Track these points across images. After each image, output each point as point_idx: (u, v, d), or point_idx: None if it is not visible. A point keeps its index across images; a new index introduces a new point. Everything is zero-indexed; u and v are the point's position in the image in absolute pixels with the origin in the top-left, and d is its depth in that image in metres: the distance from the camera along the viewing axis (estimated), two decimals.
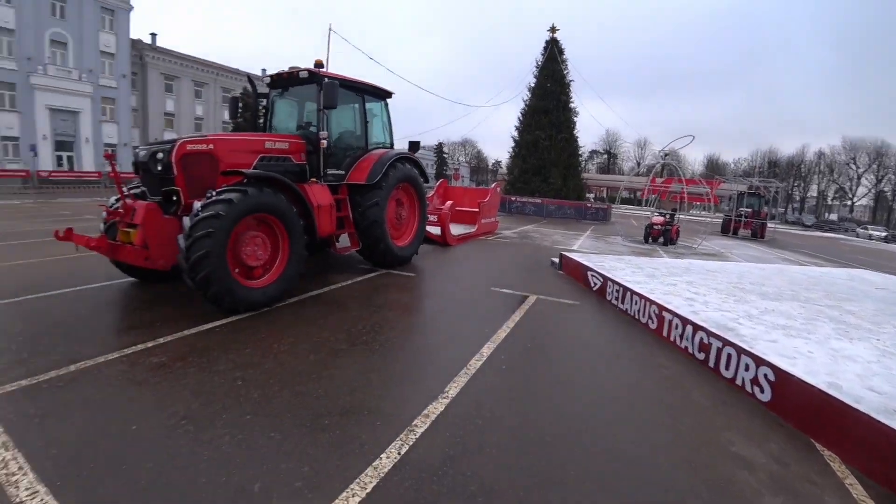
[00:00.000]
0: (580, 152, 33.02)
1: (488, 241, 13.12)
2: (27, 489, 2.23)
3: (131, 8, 40.19)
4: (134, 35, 41.11)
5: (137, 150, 5.47)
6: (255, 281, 5.20)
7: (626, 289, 6.21)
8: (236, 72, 48.67)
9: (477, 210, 13.66)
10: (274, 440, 2.75)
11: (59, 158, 36.18)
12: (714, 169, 68.57)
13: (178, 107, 45.37)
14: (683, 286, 6.72)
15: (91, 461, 2.46)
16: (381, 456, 2.66)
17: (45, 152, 34.62)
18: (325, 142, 6.48)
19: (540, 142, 29.76)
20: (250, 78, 7.06)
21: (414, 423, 3.05)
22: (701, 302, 5.75)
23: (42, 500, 2.16)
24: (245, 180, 5.14)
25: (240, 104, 7.37)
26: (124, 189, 5.32)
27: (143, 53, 42.50)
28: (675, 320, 4.99)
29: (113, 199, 5.94)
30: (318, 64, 6.52)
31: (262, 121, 7.30)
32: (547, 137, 29.78)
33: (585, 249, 12.91)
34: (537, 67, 31.54)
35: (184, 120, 45.50)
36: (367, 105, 7.66)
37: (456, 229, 12.22)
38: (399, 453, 2.70)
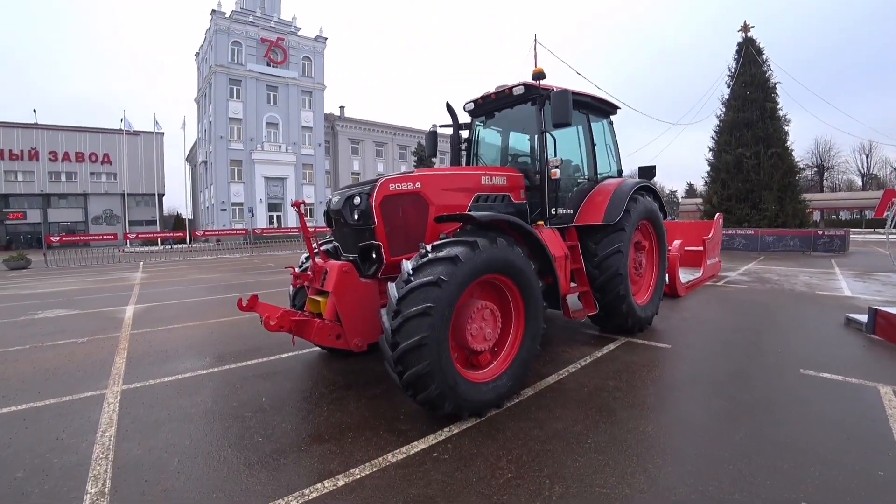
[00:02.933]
0: (798, 168, 26.76)
1: (719, 288, 10.12)
2: None
3: (325, 87, 46.70)
4: (327, 110, 47.73)
5: (331, 197, 4.50)
6: (480, 371, 3.66)
7: None
8: (409, 130, 53.70)
9: (702, 249, 10.77)
10: None
11: (271, 218, 42.82)
12: None
13: (362, 166, 51.21)
14: None
15: None
16: None
17: (260, 213, 41.54)
18: (557, 171, 4.87)
19: (744, 161, 24.77)
20: (449, 106, 5.93)
21: None
22: None
23: None
24: (467, 227, 3.72)
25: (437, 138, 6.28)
26: (314, 244, 4.28)
27: (335, 123, 49.17)
28: None
29: (303, 257, 5.13)
30: (539, 74, 5.03)
31: (464, 155, 6.08)
32: (753, 155, 24.68)
33: (870, 295, 9.01)
34: (731, 75, 26.91)
35: (368, 177, 50.87)
36: (591, 124, 5.93)
37: (682, 275, 9.56)
38: None
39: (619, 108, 6.50)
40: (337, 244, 4.45)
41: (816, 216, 45.62)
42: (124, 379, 4.67)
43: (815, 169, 61.30)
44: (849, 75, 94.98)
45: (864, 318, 6.41)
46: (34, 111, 57.31)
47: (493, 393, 3.54)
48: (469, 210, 4.33)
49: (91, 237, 35.85)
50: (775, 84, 25.91)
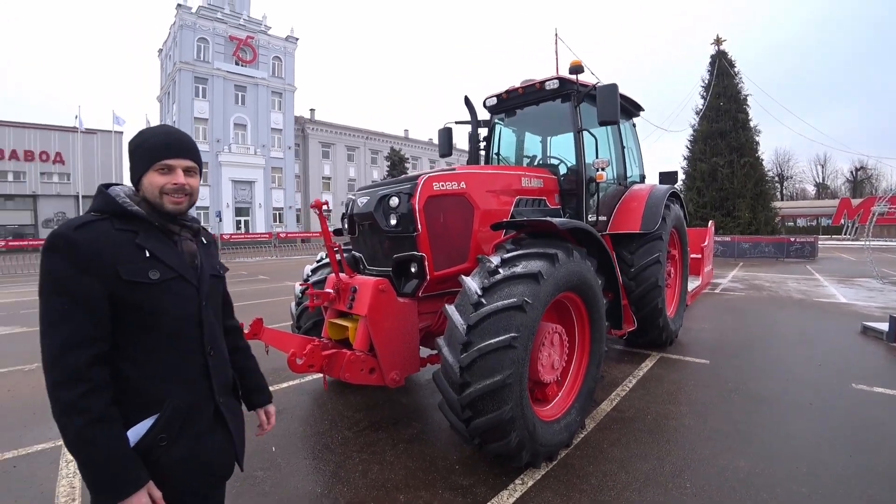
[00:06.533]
0: (768, 177, 27.60)
1: (718, 296, 10.04)
2: None
3: (295, 89, 45.36)
4: (297, 112, 46.33)
5: (353, 198, 3.71)
6: (547, 407, 3.09)
7: None
8: (381, 134, 52.78)
9: (700, 256, 10.59)
10: None
11: (238, 223, 40.98)
12: None
13: (333, 170, 49.82)
14: None
15: None
16: None
17: (227, 218, 39.65)
18: (603, 173, 4.38)
19: (719, 170, 25.29)
20: (468, 100, 5.38)
21: None
22: None
23: None
24: (521, 236, 3.17)
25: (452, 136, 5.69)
26: (337, 255, 3.36)
27: (305, 126, 47.64)
28: None
29: (308, 268, 4.42)
30: (576, 67, 4.54)
31: (483, 155, 5.53)
32: (726, 164, 25.26)
33: (863, 301, 9.02)
34: (704, 87, 27.55)
35: (339, 182, 49.74)
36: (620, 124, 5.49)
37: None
38: None
39: (644, 109, 6.12)
40: (358, 254, 3.76)
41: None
42: None
43: (776, 178, 64.05)
44: (808, 91, 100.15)
45: (882, 326, 6.52)
46: None
47: (566, 432, 2.99)
48: (511, 215, 3.78)
49: (40, 242, 33.34)
50: (746, 96, 26.71)
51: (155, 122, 46.94)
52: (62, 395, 1.10)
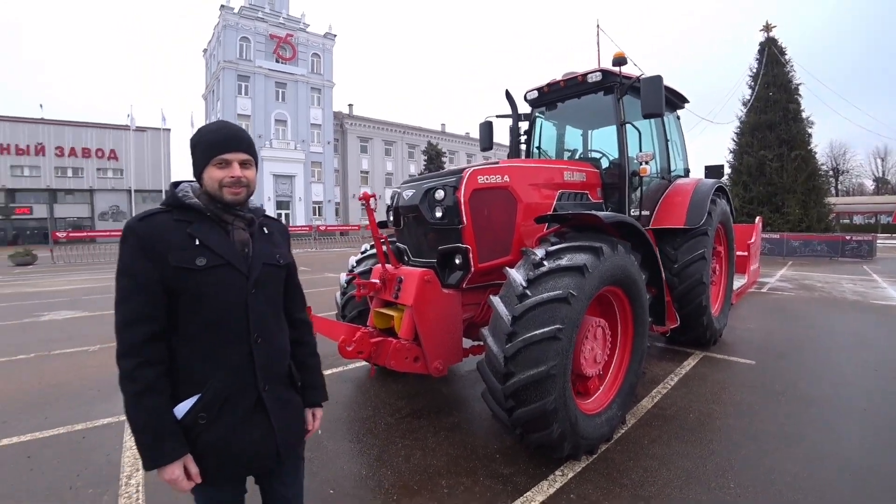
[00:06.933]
0: (821, 171, 26.13)
1: (765, 295, 9.64)
2: None
3: (334, 85, 46.21)
4: (336, 107, 47.26)
5: (398, 191, 3.85)
6: (588, 400, 3.09)
7: None
8: (419, 129, 53.33)
9: (746, 254, 10.21)
10: None
11: (279, 216, 42.27)
12: None
13: (371, 164, 50.70)
14: None
15: None
16: None
17: (268, 211, 40.82)
18: (647, 167, 4.31)
19: (767, 163, 24.15)
20: (508, 94, 5.38)
21: None
22: None
23: None
24: (566, 230, 3.17)
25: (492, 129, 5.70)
26: (383, 247, 3.48)
27: (344, 121, 48.58)
28: None
29: (353, 259, 4.56)
30: (620, 59, 4.47)
31: (524, 149, 5.52)
32: (775, 157, 24.07)
33: None
34: (752, 76, 26.29)
35: (377, 176, 50.66)
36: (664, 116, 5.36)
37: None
38: None
39: (689, 100, 5.95)
40: (403, 246, 3.85)
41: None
42: None
43: (830, 172, 60.56)
44: (867, 79, 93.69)
45: None
46: (41, 106, 56.97)
47: (608, 426, 3.00)
48: (553, 209, 3.77)
49: (97, 233, 35.38)
50: (798, 85, 25.33)
51: (200, 119, 48.90)
52: (121, 365, 1.26)
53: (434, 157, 41.21)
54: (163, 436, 1.24)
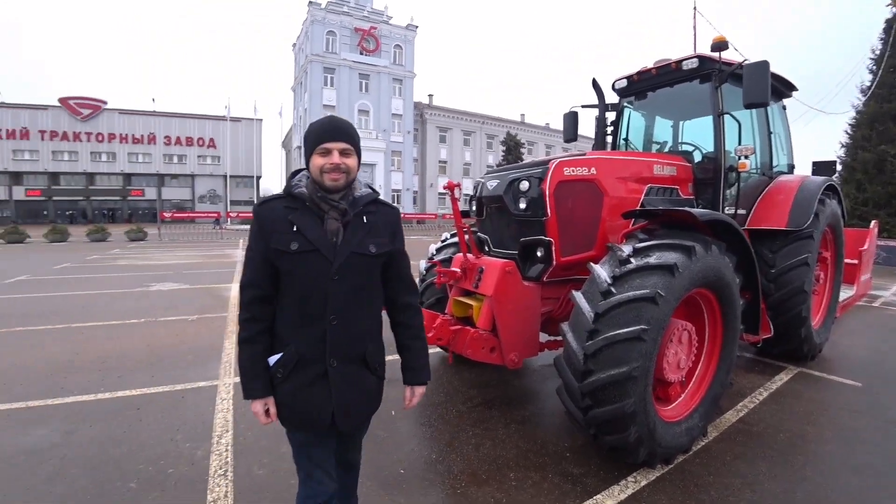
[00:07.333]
0: None
1: (878, 310, 8.59)
2: None
3: (414, 75, 47.09)
4: (416, 98, 48.20)
5: (482, 181, 3.82)
6: (668, 407, 2.95)
7: None
8: (497, 119, 53.02)
9: (857, 262, 9.13)
10: None
11: None
12: None
13: (450, 154, 51.38)
14: None
15: None
16: None
17: None
18: (747, 162, 3.99)
19: (888, 160, 21.31)
20: (595, 83, 5.17)
21: None
22: None
23: None
24: (655, 227, 3.01)
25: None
26: (465, 236, 3.45)
27: (423, 111, 49.55)
28: None
29: (433, 247, 4.63)
30: (720, 43, 4.13)
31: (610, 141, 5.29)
32: None
33: None
34: (875, 59, 23.14)
35: (455, 166, 51.29)
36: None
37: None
38: None
39: (797, 88, 5.39)
40: (484, 237, 3.84)
41: None
42: (235, 369, 4.47)
43: None
44: None
45: None
46: (153, 100, 63.37)
47: (687, 436, 2.84)
48: (640, 204, 3.60)
49: (197, 214, 38.88)
50: None
51: (288, 111, 51.90)
52: (238, 316, 1.58)
53: (512, 148, 40.68)
54: (253, 377, 1.53)
